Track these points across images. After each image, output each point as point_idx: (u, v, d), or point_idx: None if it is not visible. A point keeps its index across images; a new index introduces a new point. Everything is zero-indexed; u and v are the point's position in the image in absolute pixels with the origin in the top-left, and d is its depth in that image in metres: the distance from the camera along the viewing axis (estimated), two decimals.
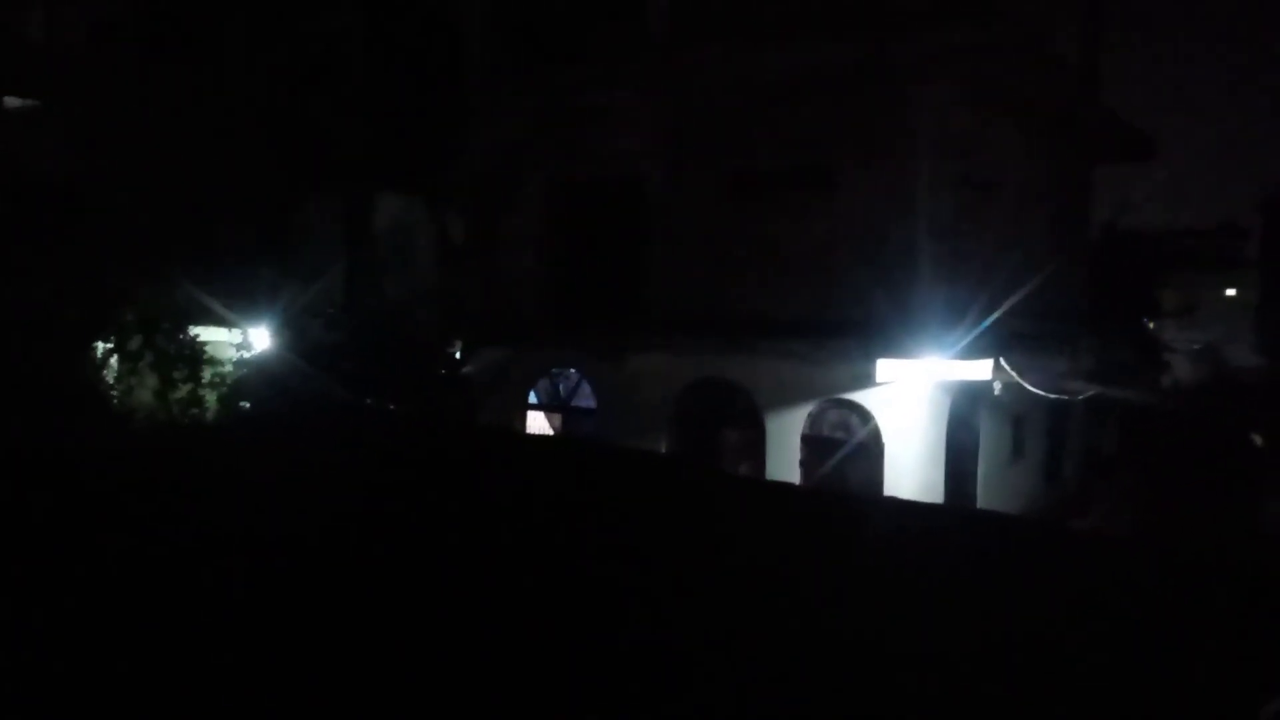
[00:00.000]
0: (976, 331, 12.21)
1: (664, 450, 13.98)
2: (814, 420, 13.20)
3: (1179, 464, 18.73)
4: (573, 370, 15.45)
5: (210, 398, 13.38)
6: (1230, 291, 45.64)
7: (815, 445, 13.19)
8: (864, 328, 12.27)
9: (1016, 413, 14.58)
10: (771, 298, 13.31)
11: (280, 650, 3.55)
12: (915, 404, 12.37)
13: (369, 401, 12.39)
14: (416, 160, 16.04)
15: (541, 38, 15.28)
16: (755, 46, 12.87)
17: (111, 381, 13.14)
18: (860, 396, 12.66)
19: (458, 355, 16.04)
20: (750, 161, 13.62)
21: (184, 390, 13.16)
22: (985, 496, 13.67)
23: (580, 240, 15.41)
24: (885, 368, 12.01)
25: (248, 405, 13.15)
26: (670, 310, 14.08)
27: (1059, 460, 17.00)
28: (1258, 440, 21.37)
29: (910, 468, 12.36)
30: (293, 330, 13.74)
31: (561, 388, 15.70)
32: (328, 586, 4.10)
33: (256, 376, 13.30)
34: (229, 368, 13.62)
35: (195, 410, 13.19)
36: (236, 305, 13.86)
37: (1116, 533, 15.32)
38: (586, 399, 15.34)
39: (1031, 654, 3.73)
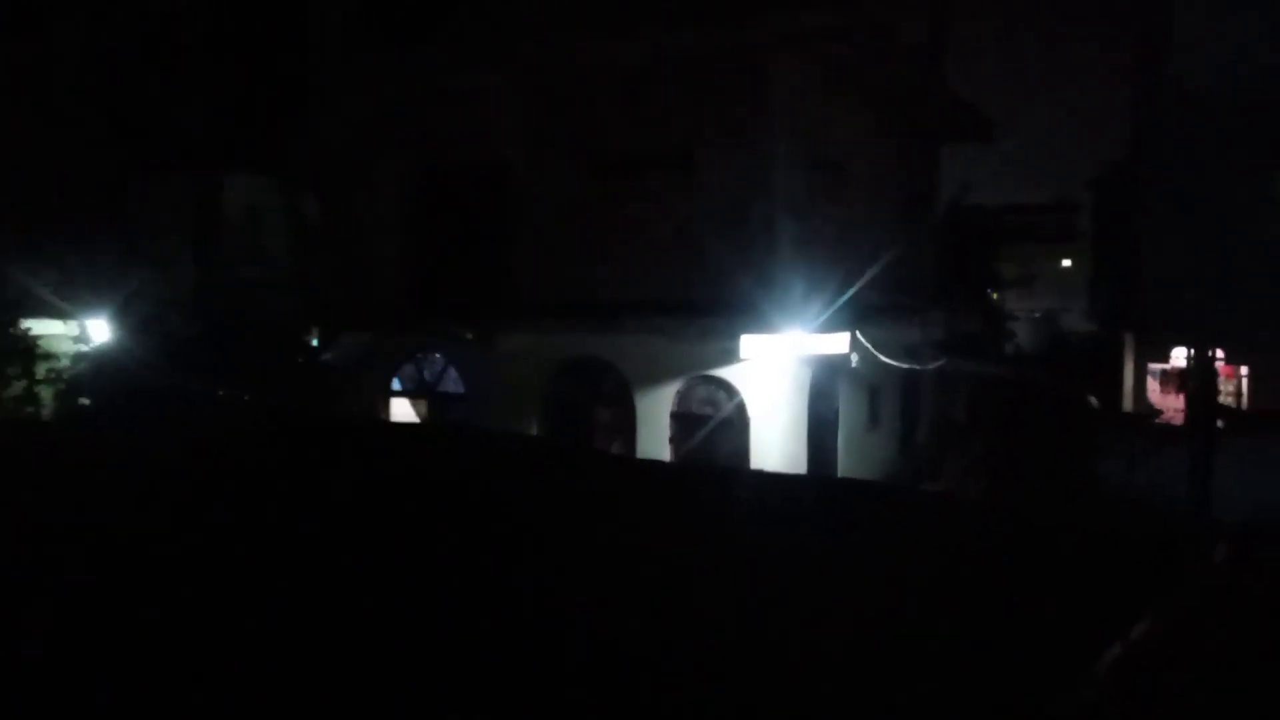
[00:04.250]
0: (834, 306, 12.60)
1: (536, 432, 13.92)
2: (682, 397, 13.38)
3: (1023, 428, 19.78)
4: (438, 355, 15.17)
5: (46, 394, 12.63)
6: (1066, 262, 48.45)
7: (684, 421, 13.38)
8: (728, 305, 12.48)
9: (873, 384, 15.15)
10: (638, 277, 13.37)
11: (112, 647, 3.39)
12: (778, 378, 12.68)
13: (221, 393, 11.87)
14: (265, 139, 15.36)
15: (399, 15, 14.82)
16: (616, 31, 12.85)
17: None
18: (726, 372, 12.90)
19: (315, 342, 15.52)
20: (614, 143, 13.62)
21: (17, 387, 12.42)
22: (845, 465, 14.16)
23: (443, 222, 15.08)
24: (749, 343, 12.26)
25: (88, 402, 12.44)
26: (538, 292, 13.97)
27: (913, 428, 17.75)
28: (1094, 402, 22.69)
29: (775, 440, 12.68)
30: (137, 320, 13.04)
31: (427, 373, 15.39)
32: (166, 584, 3.93)
33: (97, 371, 12.58)
34: (66, 362, 12.86)
35: (30, 408, 12.45)
36: (73, 296, 13.07)
37: (966, 496, 16.12)
38: (454, 384, 15.09)
39: (889, 608, 3.90)
